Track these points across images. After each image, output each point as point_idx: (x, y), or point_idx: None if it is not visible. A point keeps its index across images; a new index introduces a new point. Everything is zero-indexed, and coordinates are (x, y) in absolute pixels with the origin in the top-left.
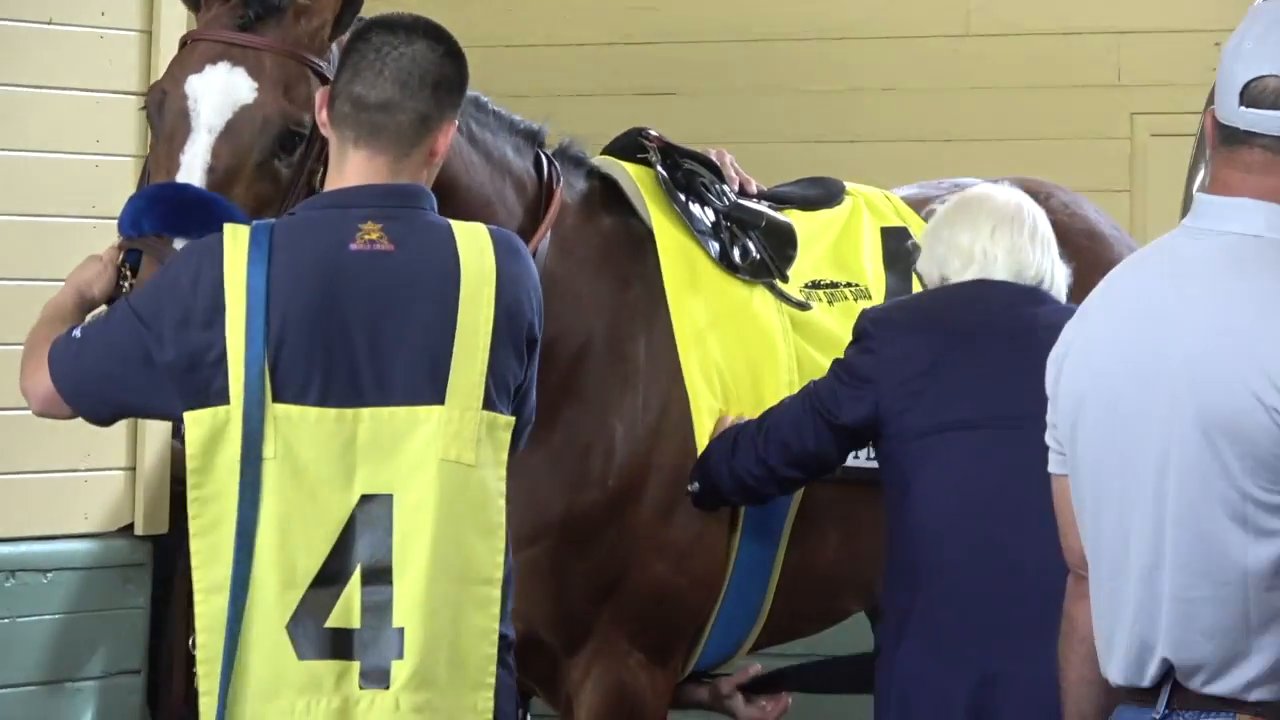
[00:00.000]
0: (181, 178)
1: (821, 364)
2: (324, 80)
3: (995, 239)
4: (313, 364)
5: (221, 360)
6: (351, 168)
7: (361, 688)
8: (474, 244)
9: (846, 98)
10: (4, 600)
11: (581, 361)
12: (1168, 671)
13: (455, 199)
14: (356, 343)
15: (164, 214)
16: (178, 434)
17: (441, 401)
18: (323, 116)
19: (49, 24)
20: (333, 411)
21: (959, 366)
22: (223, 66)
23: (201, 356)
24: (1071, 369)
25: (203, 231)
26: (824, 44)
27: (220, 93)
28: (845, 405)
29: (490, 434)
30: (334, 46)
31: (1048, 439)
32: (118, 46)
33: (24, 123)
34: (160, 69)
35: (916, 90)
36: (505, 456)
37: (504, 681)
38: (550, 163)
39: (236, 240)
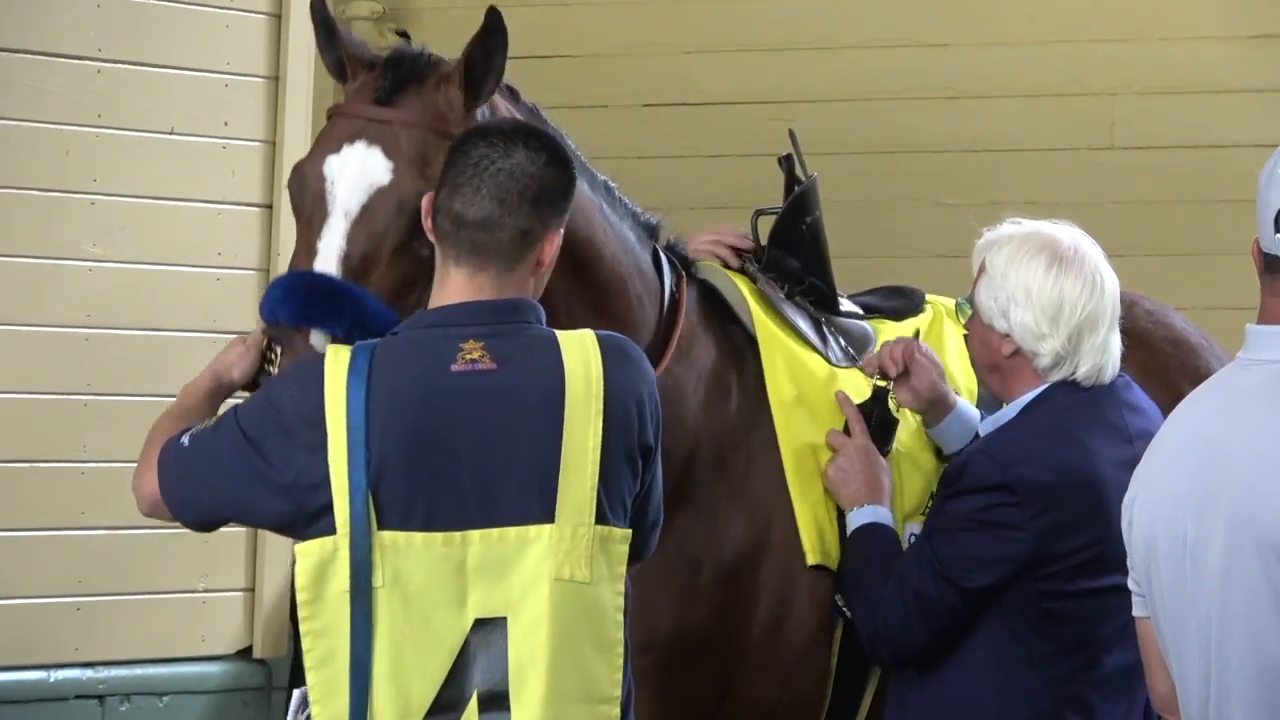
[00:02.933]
0: (318, 266)
1: (915, 467)
2: None
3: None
4: (417, 488)
5: (325, 484)
6: (454, 285)
7: None
8: (580, 353)
9: (988, 211)
10: None
11: (690, 470)
12: None
13: (593, 280)
14: (461, 464)
15: (299, 304)
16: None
17: (551, 519)
18: (428, 224)
19: (170, 134)
20: (440, 535)
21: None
22: (359, 145)
23: (306, 478)
24: (1141, 512)
25: (335, 323)
26: (966, 156)
27: (356, 174)
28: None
29: (604, 548)
30: (483, 112)
31: (1129, 583)
32: (241, 156)
33: (147, 235)
34: (283, 181)
35: (1059, 204)
36: (623, 570)
37: None
38: (671, 263)
39: (337, 362)
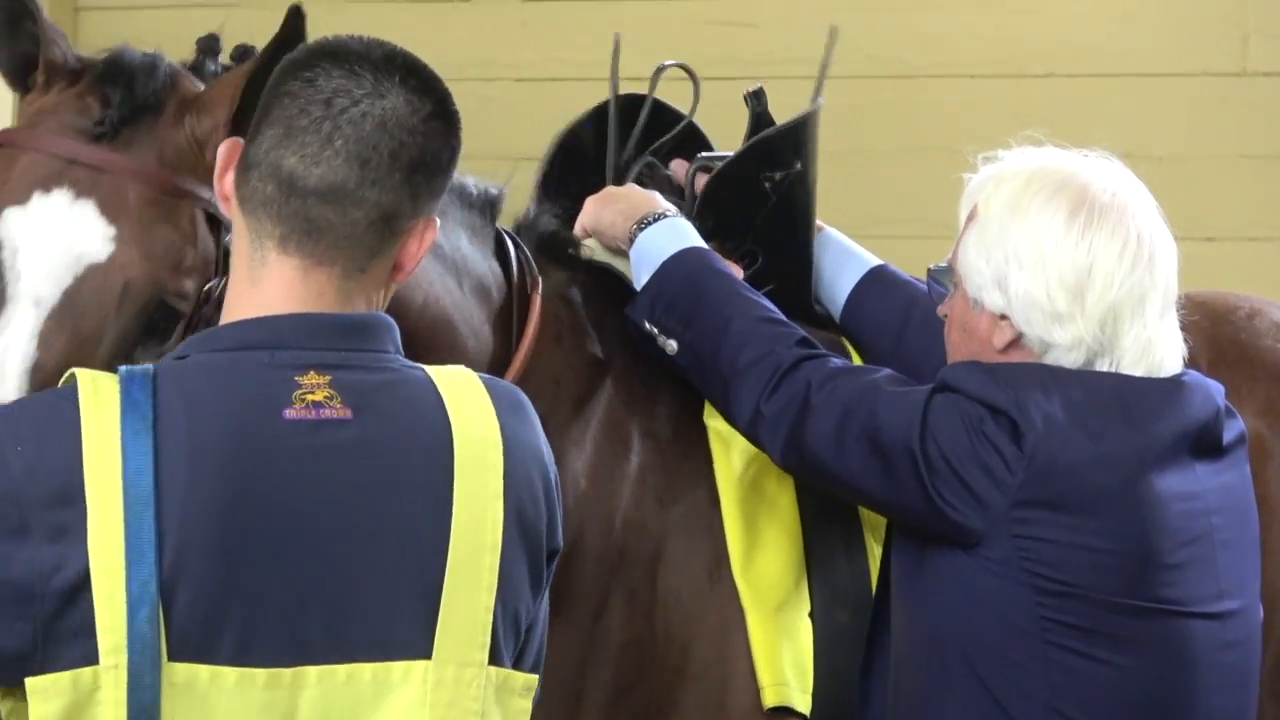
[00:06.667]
0: None
1: None
2: (213, 219)
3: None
4: (229, 599)
5: (81, 591)
6: (274, 281)
7: None
8: (468, 403)
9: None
10: None
11: (570, 567)
12: None
13: (404, 320)
14: (296, 564)
15: None
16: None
17: (428, 654)
18: (225, 186)
19: None
20: (262, 673)
21: None
22: (59, 197)
23: (43, 583)
24: None
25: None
26: (1030, 84)
27: (56, 241)
28: None
29: (501, 700)
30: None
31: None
32: None
33: None
34: None
35: (1164, 157)
36: None
37: None
38: (519, 249)
39: (99, 397)
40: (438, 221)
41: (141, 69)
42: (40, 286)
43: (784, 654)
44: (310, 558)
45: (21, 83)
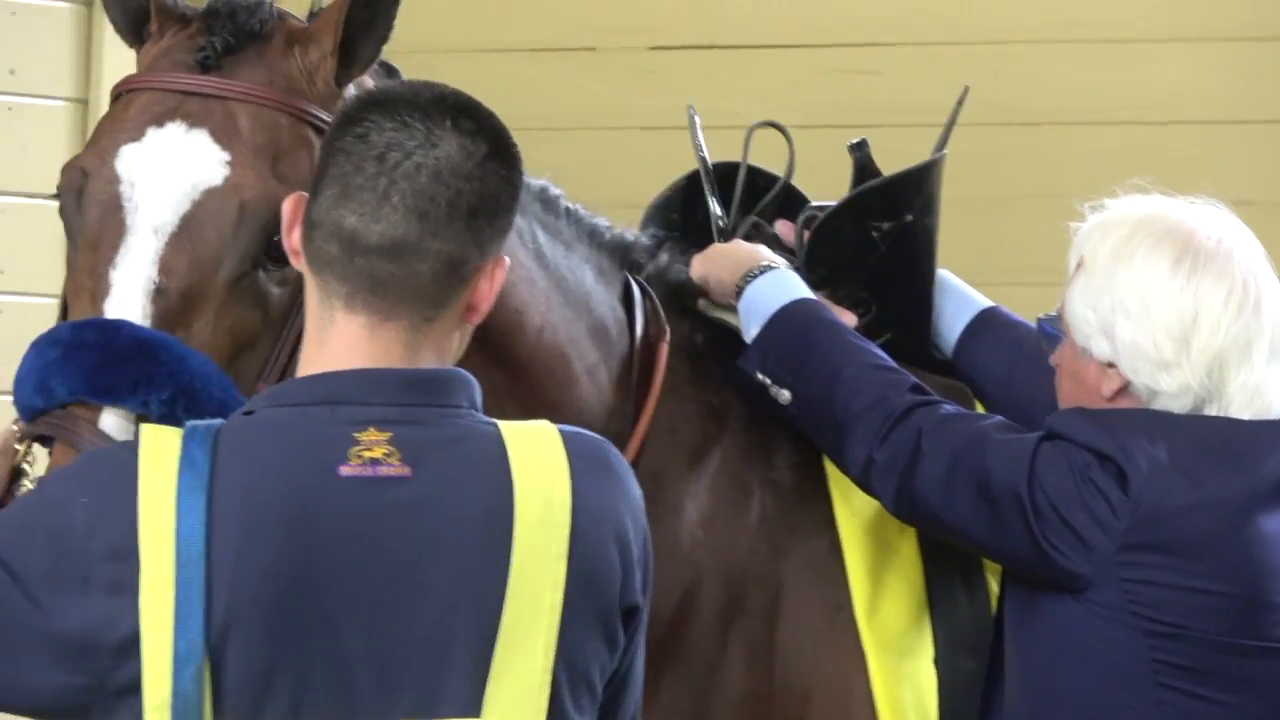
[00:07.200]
0: (113, 309)
1: None
2: None
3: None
4: (280, 658)
5: (133, 646)
6: (342, 340)
7: None
8: (537, 460)
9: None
10: None
11: (683, 622)
12: None
13: (513, 360)
14: (348, 624)
15: (86, 369)
16: None
17: (478, 714)
18: (293, 241)
19: None
20: None
21: None
22: (174, 129)
23: (100, 635)
24: None
25: (145, 395)
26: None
27: (172, 170)
28: None
29: None
30: (351, 89)
31: None
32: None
33: None
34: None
35: None
36: None
37: None
38: (648, 298)
39: (160, 454)
40: (507, 260)
41: (245, 3)
42: (158, 214)
43: (907, 701)
44: (362, 617)
45: (136, 36)
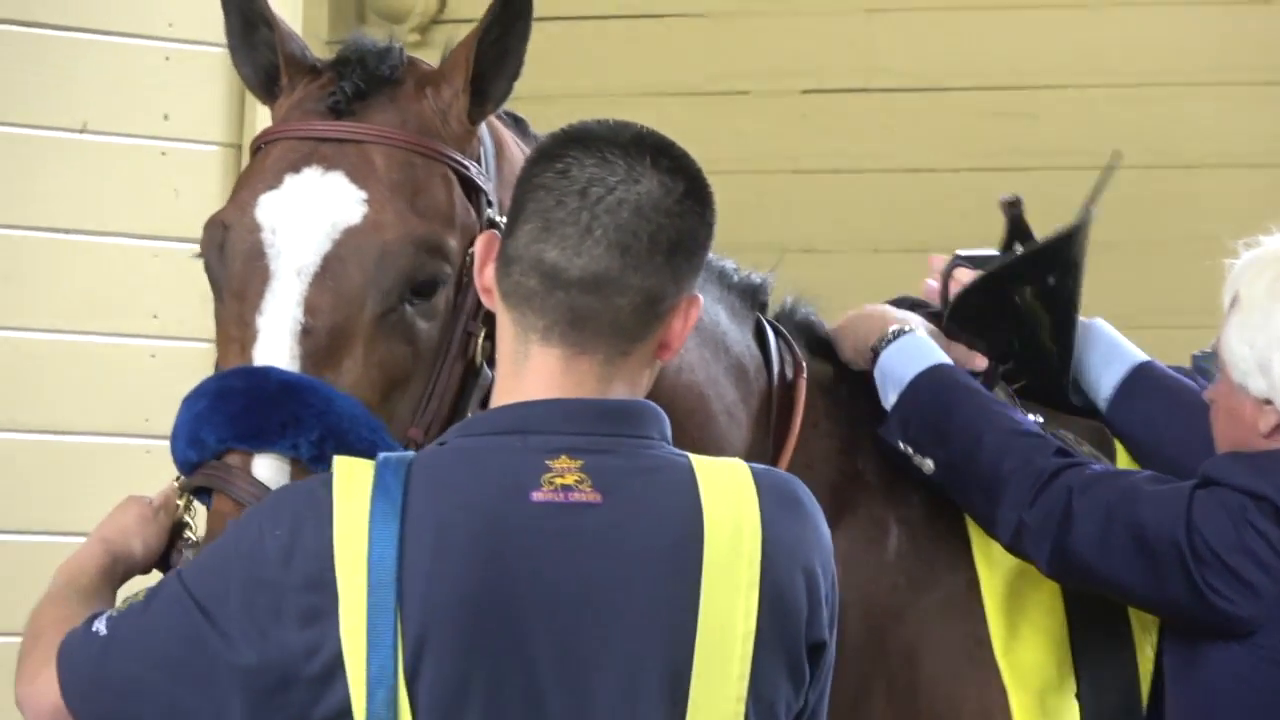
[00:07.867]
0: (261, 354)
1: None
2: (467, 183)
3: None
4: (470, 682)
5: (332, 676)
6: (537, 372)
7: None
8: (728, 492)
9: None
10: None
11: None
12: None
13: (657, 391)
14: (540, 648)
15: (231, 415)
16: None
17: None
18: (485, 279)
19: (81, 132)
20: None
21: None
22: (310, 173)
23: (298, 667)
24: None
25: (293, 440)
26: None
27: (311, 212)
28: None
29: None
30: (483, 130)
31: None
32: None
33: (43, 282)
34: None
35: None
36: None
37: None
38: (780, 335)
39: (352, 483)
40: (700, 299)
41: (374, 50)
42: (300, 257)
43: None
44: (553, 640)
45: (268, 92)
